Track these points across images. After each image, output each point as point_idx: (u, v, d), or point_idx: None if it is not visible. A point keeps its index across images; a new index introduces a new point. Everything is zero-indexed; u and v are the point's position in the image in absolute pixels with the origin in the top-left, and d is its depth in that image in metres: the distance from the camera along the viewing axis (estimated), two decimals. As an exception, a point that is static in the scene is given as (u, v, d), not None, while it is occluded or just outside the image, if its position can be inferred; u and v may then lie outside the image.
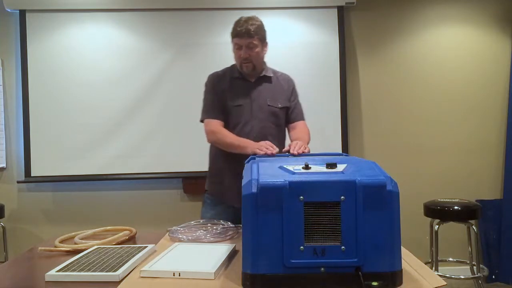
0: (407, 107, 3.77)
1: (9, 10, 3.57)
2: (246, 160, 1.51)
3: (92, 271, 1.24)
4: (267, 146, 1.79)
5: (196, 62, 3.55)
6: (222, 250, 1.44)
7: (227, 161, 2.10)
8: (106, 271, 1.24)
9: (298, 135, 2.08)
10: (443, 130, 3.77)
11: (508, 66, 3.74)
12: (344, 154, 1.70)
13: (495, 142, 3.77)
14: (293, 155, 1.70)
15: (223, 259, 1.32)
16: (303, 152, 1.75)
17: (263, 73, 2.15)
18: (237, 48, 2.06)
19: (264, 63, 2.19)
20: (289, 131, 2.20)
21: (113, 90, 3.57)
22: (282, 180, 1.09)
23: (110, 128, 3.56)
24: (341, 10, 3.67)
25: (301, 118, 2.20)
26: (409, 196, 3.34)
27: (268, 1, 3.61)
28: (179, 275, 1.21)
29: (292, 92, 2.20)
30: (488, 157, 3.77)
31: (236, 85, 2.12)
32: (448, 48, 3.76)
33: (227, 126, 2.10)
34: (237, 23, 2.05)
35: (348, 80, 3.71)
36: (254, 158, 1.47)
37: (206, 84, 2.16)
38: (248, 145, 1.91)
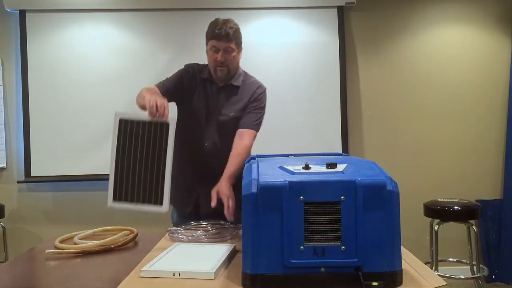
0: (407, 107, 3.77)
1: (9, 10, 3.57)
2: (246, 160, 1.51)
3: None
4: (156, 107, 1.60)
5: (196, 62, 3.55)
6: (222, 250, 1.44)
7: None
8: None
9: (232, 151, 1.92)
10: (443, 130, 3.77)
11: (508, 66, 3.74)
12: (344, 154, 1.70)
13: (495, 142, 3.77)
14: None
15: (223, 259, 1.32)
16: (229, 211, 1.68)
17: (232, 81, 2.04)
18: (214, 51, 1.96)
19: (238, 68, 2.08)
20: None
21: (113, 90, 3.57)
22: (282, 180, 1.09)
23: (110, 128, 3.54)
24: (341, 10, 3.67)
25: (248, 126, 1.99)
26: (409, 196, 3.33)
27: (268, 1, 3.61)
28: (179, 275, 1.21)
29: (252, 100, 2.04)
30: (488, 157, 3.77)
31: (202, 86, 2.04)
32: (448, 48, 3.76)
33: (181, 122, 2.00)
34: (215, 25, 1.95)
35: (348, 80, 3.71)
36: (254, 158, 1.47)
37: (182, 70, 2.08)
38: (145, 95, 1.72)
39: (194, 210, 2.03)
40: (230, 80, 2.04)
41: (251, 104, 2.04)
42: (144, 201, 1.56)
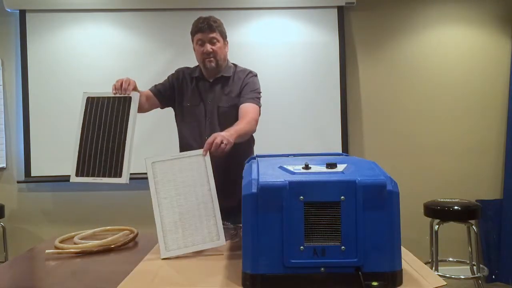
0: (407, 107, 3.77)
1: (9, 10, 3.57)
2: (247, 160, 1.51)
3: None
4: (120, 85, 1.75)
5: (196, 62, 3.54)
6: (201, 171, 1.51)
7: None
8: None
9: (239, 121, 1.92)
10: (443, 130, 3.77)
11: (508, 66, 3.74)
12: (344, 154, 1.70)
13: (495, 142, 3.77)
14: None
15: (217, 215, 1.47)
16: (216, 148, 1.60)
17: (222, 73, 2.07)
18: (200, 44, 2.02)
19: (227, 61, 2.11)
20: None
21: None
22: (282, 180, 1.09)
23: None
24: (341, 10, 3.66)
25: (250, 101, 2.00)
26: (409, 196, 3.33)
27: (268, 1, 3.61)
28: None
29: (244, 85, 2.05)
30: (488, 157, 3.77)
31: (194, 85, 2.10)
32: (448, 48, 3.76)
33: (182, 124, 2.10)
34: (197, 21, 2.03)
35: (348, 80, 3.71)
36: (254, 158, 1.47)
37: (172, 74, 2.16)
38: None
39: None
40: (220, 72, 2.07)
41: (245, 89, 2.05)
42: (104, 174, 1.61)
